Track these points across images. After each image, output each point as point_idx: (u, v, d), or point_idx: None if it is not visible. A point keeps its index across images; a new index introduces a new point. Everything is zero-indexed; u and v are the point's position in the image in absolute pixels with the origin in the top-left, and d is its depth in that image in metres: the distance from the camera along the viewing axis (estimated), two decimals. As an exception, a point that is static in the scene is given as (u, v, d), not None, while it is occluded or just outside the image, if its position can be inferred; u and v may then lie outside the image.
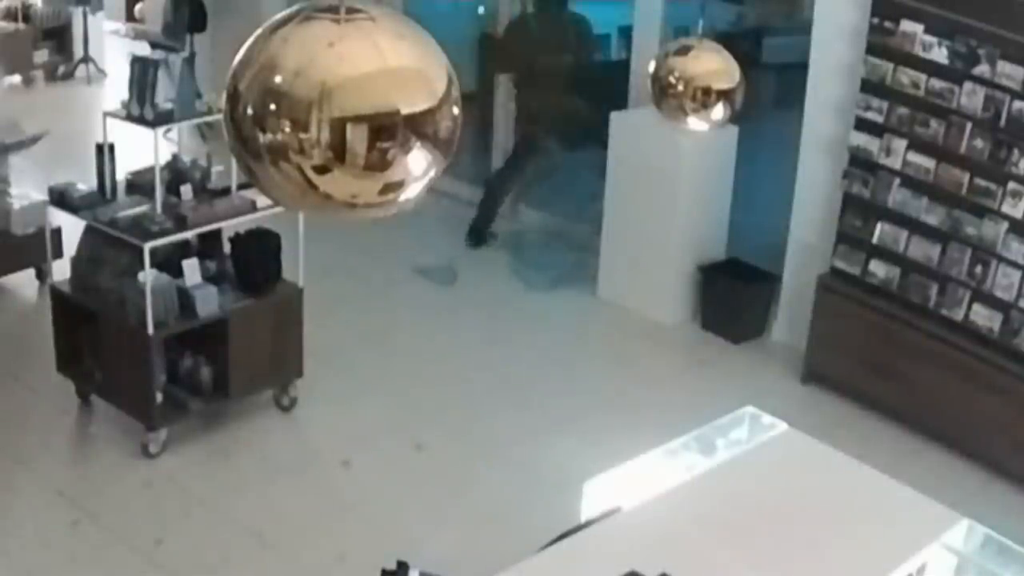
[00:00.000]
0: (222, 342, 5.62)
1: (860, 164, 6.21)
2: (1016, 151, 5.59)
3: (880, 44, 6.04)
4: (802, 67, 6.76)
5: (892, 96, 6.03)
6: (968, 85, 5.72)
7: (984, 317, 5.79)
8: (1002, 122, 5.62)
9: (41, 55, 11.80)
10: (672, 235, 7.16)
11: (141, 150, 5.65)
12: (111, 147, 5.61)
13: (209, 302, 5.54)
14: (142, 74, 5.50)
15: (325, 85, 2.12)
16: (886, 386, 6.16)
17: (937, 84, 5.84)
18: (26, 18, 11.69)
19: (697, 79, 4.44)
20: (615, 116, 7.40)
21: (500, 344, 6.99)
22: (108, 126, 5.54)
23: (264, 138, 2.16)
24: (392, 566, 3.40)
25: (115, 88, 10.36)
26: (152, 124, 5.44)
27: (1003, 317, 5.73)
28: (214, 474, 5.55)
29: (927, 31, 5.83)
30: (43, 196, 6.04)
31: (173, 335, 5.57)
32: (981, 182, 5.74)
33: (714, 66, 4.49)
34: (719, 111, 4.52)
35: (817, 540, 3.40)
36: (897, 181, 6.07)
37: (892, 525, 3.50)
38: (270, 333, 5.83)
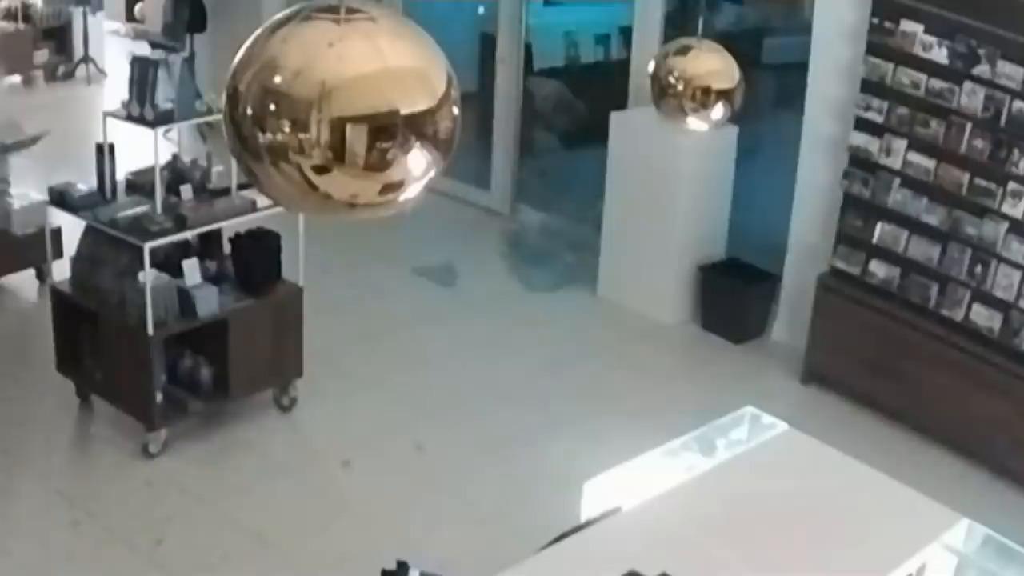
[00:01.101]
0: (222, 342, 5.62)
1: (860, 164, 6.21)
2: (1016, 151, 5.59)
3: (880, 44, 6.04)
4: (802, 67, 6.76)
5: (892, 96, 6.03)
6: (968, 85, 5.72)
7: (984, 317, 5.79)
8: (1002, 122, 5.62)
9: (41, 55, 11.78)
10: (672, 235, 7.16)
11: (141, 150, 5.65)
12: (111, 147, 5.61)
13: (209, 302, 5.54)
14: (142, 74, 5.50)
15: (325, 85, 2.11)
16: (886, 386, 6.16)
17: (937, 84, 5.84)
18: (26, 18, 11.67)
19: (697, 79, 4.43)
20: (615, 116, 7.40)
21: (500, 344, 6.98)
22: (108, 126, 5.55)
23: (264, 138, 2.16)
24: (392, 566, 3.40)
25: (115, 88, 10.35)
26: (152, 124, 5.45)
27: (1003, 317, 5.72)
28: (214, 474, 5.55)
29: (927, 31, 5.83)
30: (43, 196, 6.03)
31: (173, 335, 5.57)
32: (981, 182, 5.74)
33: (714, 66, 4.47)
34: (719, 111, 4.51)
35: (817, 540, 3.40)
36: (897, 181, 6.07)
37: (892, 525, 3.50)
38: (270, 333, 5.83)
